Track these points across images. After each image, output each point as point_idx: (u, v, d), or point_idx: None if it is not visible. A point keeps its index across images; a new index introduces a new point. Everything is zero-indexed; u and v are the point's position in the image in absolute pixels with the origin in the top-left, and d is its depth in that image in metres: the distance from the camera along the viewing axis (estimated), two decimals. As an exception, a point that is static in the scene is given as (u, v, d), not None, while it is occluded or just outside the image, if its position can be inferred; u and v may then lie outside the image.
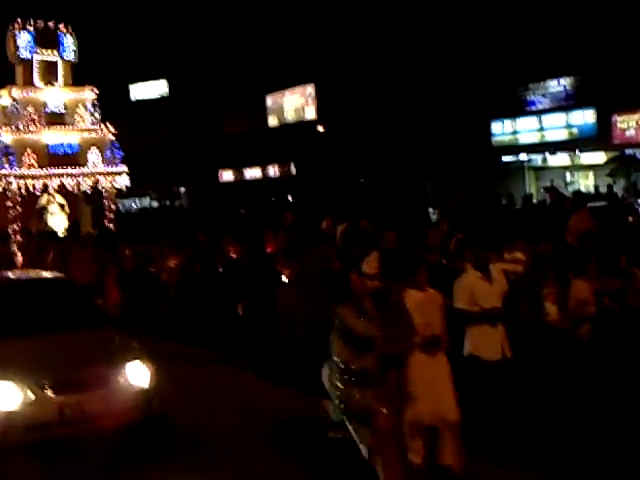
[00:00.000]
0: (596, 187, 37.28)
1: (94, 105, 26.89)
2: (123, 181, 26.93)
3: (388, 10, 43.65)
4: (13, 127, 26.05)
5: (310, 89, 50.80)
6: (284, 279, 14.73)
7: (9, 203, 25.93)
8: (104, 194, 26.86)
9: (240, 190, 51.50)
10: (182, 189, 57.40)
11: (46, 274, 13.14)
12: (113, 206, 27.24)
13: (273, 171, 52.87)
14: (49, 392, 9.48)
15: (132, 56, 51.90)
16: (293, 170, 50.73)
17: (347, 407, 8.09)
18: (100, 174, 26.61)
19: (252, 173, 54.58)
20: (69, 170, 26.30)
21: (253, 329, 15.23)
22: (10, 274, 13.53)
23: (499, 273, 10.34)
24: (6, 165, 25.62)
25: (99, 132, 26.78)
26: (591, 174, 40.70)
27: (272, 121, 54.13)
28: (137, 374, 10.14)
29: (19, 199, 26.02)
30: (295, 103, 52.28)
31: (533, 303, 10.78)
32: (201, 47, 51.09)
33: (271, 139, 52.17)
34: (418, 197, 42.28)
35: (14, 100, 26.12)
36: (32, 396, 9.40)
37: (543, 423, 9.61)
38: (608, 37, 34.60)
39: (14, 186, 25.72)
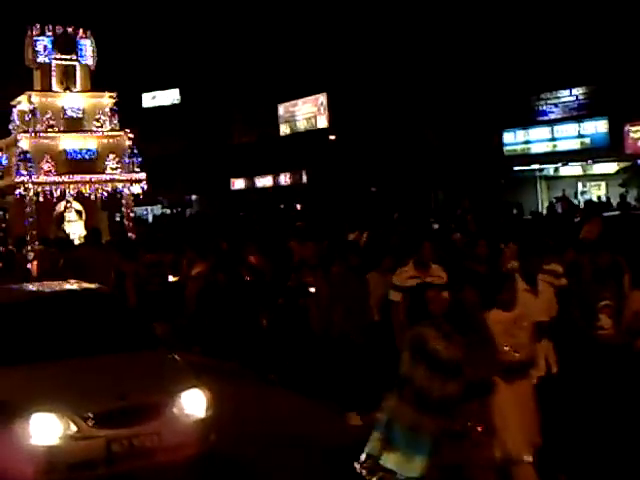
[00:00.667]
0: (607, 197, 36.79)
1: (112, 111, 25.97)
2: (141, 188, 25.88)
3: (400, 20, 43.32)
4: (31, 133, 25.06)
5: (322, 98, 50.29)
6: (311, 290, 13.88)
7: (26, 210, 24.89)
8: (123, 201, 25.86)
9: (251, 198, 50.69)
10: (194, 197, 56.54)
11: (86, 285, 11.35)
12: (131, 213, 26.22)
13: (284, 179, 52.14)
14: (94, 424, 8.17)
15: (144, 65, 51.15)
16: (305, 179, 49.81)
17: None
18: (118, 181, 25.58)
19: (263, 181, 53.92)
20: (87, 177, 25.17)
21: (278, 341, 14.33)
22: (46, 285, 11.73)
23: (546, 286, 9.59)
24: (24, 171, 24.64)
25: (117, 138, 25.72)
26: (603, 184, 40.14)
27: (284, 130, 53.61)
28: (193, 403, 8.84)
29: (35, 206, 24.97)
30: (307, 112, 51.79)
31: (587, 316, 9.87)
32: (213, 56, 50.50)
33: (283, 148, 51.64)
34: (428, 206, 41.81)
35: (32, 106, 25.20)
36: (75, 429, 8.10)
37: (593, 442, 8.69)
38: (620, 47, 34.24)
39: (32, 193, 24.75)
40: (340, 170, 46.60)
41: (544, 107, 41.35)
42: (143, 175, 25.98)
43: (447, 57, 41.27)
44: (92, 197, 25.95)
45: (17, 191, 24.95)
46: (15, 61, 27.24)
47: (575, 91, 39.57)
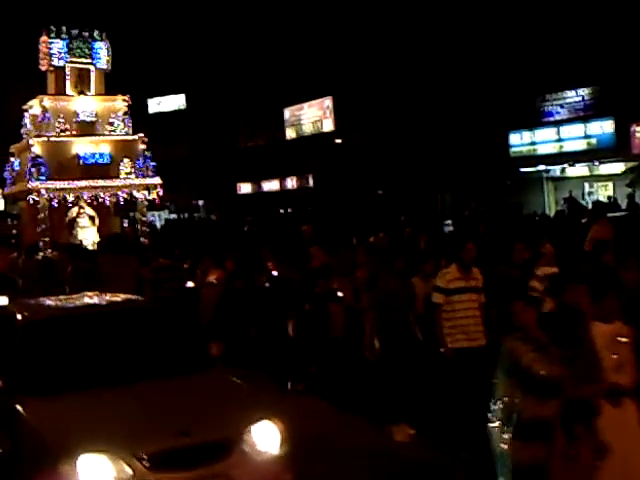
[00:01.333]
0: (614, 198, 36.03)
1: (126, 114, 24.98)
2: (157, 193, 24.92)
3: (405, 23, 42.27)
4: (44, 137, 24.10)
5: (328, 102, 49.08)
6: (339, 295, 13.21)
7: (39, 216, 23.90)
8: (137, 206, 24.91)
9: (258, 202, 49.77)
10: (200, 202, 55.56)
11: (129, 298, 9.94)
12: (145, 218, 25.25)
13: (291, 183, 51.10)
14: (152, 467, 6.58)
15: (150, 70, 50.16)
16: (311, 182, 48.91)
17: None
18: (133, 186, 24.62)
19: (270, 186, 52.90)
20: (102, 182, 24.21)
21: (306, 349, 13.29)
22: (83, 298, 10.02)
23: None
24: (36, 177, 23.69)
25: (131, 142, 24.79)
26: (610, 184, 39.04)
27: (290, 134, 52.43)
28: (266, 437, 7.19)
29: (48, 212, 24.00)
30: (313, 116, 50.62)
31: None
32: (218, 61, 49.54)
33: (289, 152, 50.57)
34: (435, 208, 40.99)
35: (45, 109, 24.25)
36: (130, 473, 6.54)
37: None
38: (626, 47, 33.27)
39: (44, 198, 23.80)
40: (346, 173, 45.58)
41: (550, 108, 40.20)
42: (158, 180, 25.01)
43: (452, 59, 40.35)
44: (106, 203, 24.88)
45: (29, 197, 23.98)
46: (27, 64, 26.20)
47: (581, 91, 38.43)
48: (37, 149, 24.09)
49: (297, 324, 13.82)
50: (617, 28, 33.48)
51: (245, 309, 14.56)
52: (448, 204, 43.35)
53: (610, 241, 12.23)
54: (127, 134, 25.14)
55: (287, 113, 52.41)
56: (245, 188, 54.11)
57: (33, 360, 7.76)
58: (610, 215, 19.11)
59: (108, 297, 9.92)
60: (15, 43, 32.22)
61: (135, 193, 24.88)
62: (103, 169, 24.65)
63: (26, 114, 25.40)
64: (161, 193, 25.15)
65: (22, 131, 25.53)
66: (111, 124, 24.89)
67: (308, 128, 50.88)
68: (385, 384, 10.65)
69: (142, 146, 25.05)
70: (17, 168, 25.72)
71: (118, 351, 8.18)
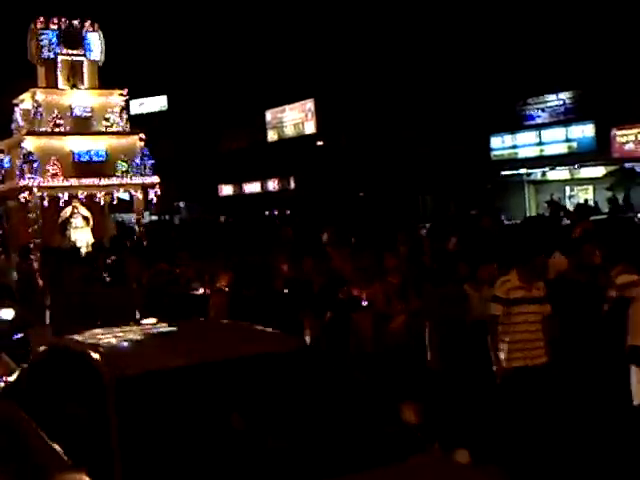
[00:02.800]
0: (595, 202, 34.79)
1: (123, 110, 22.61)
2: (154, 192, 22.58)
3: (387, 25, 40.89)
4: (36, 133, 21.70)
5: (310, 104, 47.34)
6: (364, 303, 11.20)
7: (30, 216, 21.44)
8: (135, 206, 22.56)
9: (239, 204, 47.63)
10: (182, 204, 53.16)
11: (267, 334, 6.56)
12: (142, 220, 22.90)
13: (273, 186, 49.13)
14: None
15: (132, 72, 47.62)
16: (292, 184, 46.87)
17: None
18: (129, 185, 22.25)
19: (251, 188, 50.86)
20: (97, 180, 21.81)
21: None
22: (181, 334, 6.56)
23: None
24: (28, 174, 21.22)
25: (128, 139, 22.45)
26: (591, 188, 37.86)
27: (272, 136, 50.51)
28: None
29: (40, 211, 21.53)
30: (295, 118, 48.80)
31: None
32: (201, 63, 47.37)
33: (271, 154, 48.57)
34: (416, 211, 39.43)
35: (37, 104, 21.83)
36: None
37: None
38: (607, 51, 32.30)
39: (36, 197, 21.32)
40: (328, 176, 43.92)
41: (531, 111, 39.01)
42: (156, 179, 22.68)
43: (434, 62, 38.96)
44: (100, 202, 22.51)
45: (20, 196, 21.49)
46: (17, 56, 23.70)
47: (562, 95, 37.36)
48: (29, 145, 21.72)
49: (317, 335, 11.81)
50: (598, 33, 32.48)
51: (258, 317, 12.40)
52: (429, 207, 41.89)
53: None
54: (124, 130, 22.75)
55: (269, 115, 50.65)
56: (226, 190, 52.06)
57: (136, 442, 4.70)
58: (592, 218, 17.83)
59: (228, 331, 6.67)
60: (2, 34, 29.47)
61: (132, 192, 22.46)
62: (98, 167, 22.32)
63: (17, 109, 23.02)
64: (159, 193, 22.77)
65: (12, 126, 23.14)
66: (107, 120, 22.47)
67: (290, 130, 49.17)
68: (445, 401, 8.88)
69: (140, 143, 22.74)
70: (7, 165, 23.28)
71: (267, 426, 5.00)
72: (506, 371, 8.03)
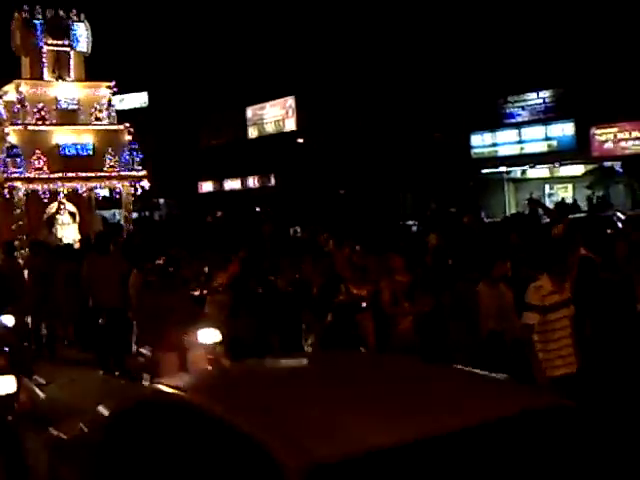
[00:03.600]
0: (574, 199, 34.31)
1: (110, 103, 21.44)
2: (141, 187, 21.43)
3: (368, 23, 39.95)
4: (20, 126, 20.46)
5: (290, 101, 46.35)
6: (363, 304, 10.82)
7: (15, 211, 20.22)
8: (123, 202, 21.41)
9: (219, 201, 46.41)
10: (161, 200, 51.82)
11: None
12: (130, 215, 21.72)
13: (253, 182, 47.97)
14: None
15: (112, 68, 46.18)
16: (273, 181, 45.81)
17: None
18: (117, 178, 21.08)
19: (232, 184, 49.66)
20: (84, 175, 20.62)
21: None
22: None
23: None
24: (12, 168, 20.00)
25: (116, 132, 21.30)
26: (570, 186, 37.39)
27: (252, 133, 49.50)
28: None
29: (25, 207, 20.31)
30: (275, 115, 47.80)
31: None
32: (181, 59, 46.11)
33: (251, 151, 47.53)
34: (397, 208, 38.70)
35: (21, 96, 20.65)
36: None
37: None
38: (588, 51, 31.79)
39: (21, 192, 20.12)
40: (308, 173, 42.96)
41: (511, 110, 38.43)
42: (144, 173, 21.54)
43: (414, 60, 38.16)
44: (87, 197, 21.33)
45: (4, 190, 20.29)
46: (1, 46, 22.39)
47: (542, 94, 36.81)
48: (13, 138, 20.58)
49: (319, 338, 10.81)
50: (578, 31, 32.01)
51: (264, 316, 11.46)
52: (409, 204, 41.20)
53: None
54: (111, 124, 21.54)
55: (249, 112, 49.65)
56: (207, 187, 50.82)
57: None
58: (571, 217, 17.47)
59: (449, 378, 4.33)
60: None
61: (119, 187, 21.31)
62: (85, 161, 21.19)
63: (0, 101, 21.63)
64: (147, 187, 21.64)
65: (-5, 119, 21.79)
66: (94, 113, 21.24)
67: (270, 127, 48.24)
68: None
69: (127, 137, 21.62)
70: (-11, 159, 21.95)
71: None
72: (549, 380, 7.25)
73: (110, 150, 21.30)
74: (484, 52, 35.37)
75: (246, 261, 13.44)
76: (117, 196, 21.65)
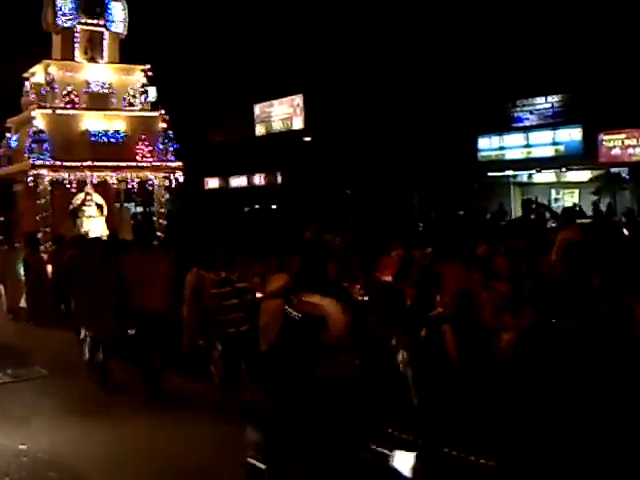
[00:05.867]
0: (579, 206, 32.59)
1: (144, 88, 18.91)
2: (175, 179, 18.94)
3: (377, 23, 38.56)
4: (48, 109, 17.87)
5: (298, 99, 44.28)
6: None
7: (39, 201, 17.63)
8: (155, 194, 18.91)
9: (225, 198, 44.13)
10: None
11: None
12: (163, 210, 19.19)
13: (259, 180, 45.82)
14: None
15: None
16: (279, 179, 43.77)
17: None
18: (150, 169, 18.57)
19: (238, 181, 47.34)
20: (115, 164, 18.10)
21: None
22: None
23: None
24: (38, 155, 17.43)
25: (150, 119, 18.80)
26: (576, 192, 36.07)
27: (259, 130, 47.24)
28: None
29: (50, 197, 17.74)
30: (283, 113, 45.67)
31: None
32: (190, 55, 43.68)
33: (258, 148, 45.21)
34: (404, 209, 36.80)
35: (50, 77, 18.04)
36: None
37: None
38: (596, 56, 30.92)
39: (46, 181, 17.55)
40: (315, 172, 41.01)
41: (519, 114, 37.01)
42: (180, 164, 19.05)
43: (424, 62, 36.76)
44: (117, 188, 18.80)
45: (29, 178, 17.63)
46: (29, 25, 19.73)
47: (550, 99, 35.51)
48: (40, 123, 17.97)
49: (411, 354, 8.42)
50: (588, 37, 31.11)
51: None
52: (415, 205, 39.63)
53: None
54: (145, 110, 19.03)
55: (257, 109, 47.49)
56: (212, 183, 48.39)
57: None
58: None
59: None
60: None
61: (152, 178, 18.80)
62: (116, 149, 18.66)
63: (27, 82, 19.18)
64: (181, 179, 19.16)
65: (22, 102, 19.23)
66: (128, 97, 18.69)
67: (278, 125, 46.10)
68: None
69: (162, 124, 19.10)
70: (14, 145, 19.45)
71: None
72: None
73: (143, 138, 18.71)
74: (493, 56, 34.33)
75: (305, 264, 11.05)
76: (150, 188, 19.05)
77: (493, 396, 7.59)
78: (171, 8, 42.29)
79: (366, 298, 9.96)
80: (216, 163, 46.60)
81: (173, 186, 19.13)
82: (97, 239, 14.36)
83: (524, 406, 7.16)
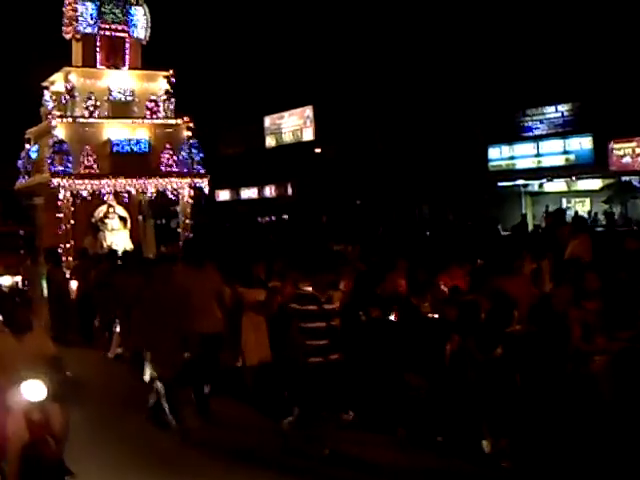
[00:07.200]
0: (595, 213, 33.17)
1: (168, 95, 17.62)
2: (200, 189, 17.64)
3: (386, 34, 38.08)
4: (69, 118, 16.56)
5: (308, 111, 43.40)
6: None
7: (60, 214, 16.29)
8: (181, 206, 17.61)
9: (236, 210, 42.94)
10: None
11: None
12: (189, 221, 17.84)
13: (270, 192, 44.63)
14: None
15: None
16: (290, 191, 42.45)
17: None
18: (175, 178, 17.25)
19: (249, 193, 46.37)
20: (138, 174, 16.80)
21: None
22: None
23: None
24: (59, 166, 16.11)
25: (174, 127, 17.49)
26: (587, 200, 35.42)
27: (270, 142, 46.25)
28: None
29: (72, 209, 16.41)
30: (293, 124, 44.73)
31: None
32: (202, 69, 42.51)
33: (268, 160, 44.47)
34: (413, 220, 35.71)
35: (71, 85, 16.75)
36: None
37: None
38: (606, 65, 30.40)
39: (68, 193, 16.22)
40: (325, 183, 40.11)
41: (529, 123, 36.31)
42: (206, 175, 17.77)
43: (434, 72, 36.01)
44: (141, 200, 17.50)
45: (50, 190, 16.31)
46: (48, 32, 18.47)
47: (560, 108, 34.82)
48: (60, 132, 16.71)
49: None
50: (597, 46, 30.63)
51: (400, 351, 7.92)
52: (425, 216, 38.92)
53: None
54: (169, 118, 17.72)
55: (267, 121, 46.58)
56: (223, 195, 47.19)
57: None
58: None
59: None
60: (33, 5, 23.59)
61: (178, 189, 17.50)
62: (140, 159, 17.36)
63: (47, 91, 17.90)
64: (207, 191, 17.86)
65: (41, 112, 17.94)
66: (150, 105, 17.39)
67: (288, 137, 45.18)
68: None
69: (187, 133, 17.76)
70: (34, 156, 18.13)
71: None
72: None
73: (167, 147, 17.41)
74: (503, 65, 33.75)
75: (361, 278, 9.78)
76: (175, 198, 17.73)
77: (583, 426, 6.38)
78: (182, 21, 41.31)
79: (436, 316, 8.65)
80: (227, 175, 45.45)
81: (201, 196, 17.72)
82: (144, 256, 12.96)
83: (620, 440, 6.11)
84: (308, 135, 43.29)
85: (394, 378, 8.03)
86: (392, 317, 8.90)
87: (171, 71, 17.99)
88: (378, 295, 9.61)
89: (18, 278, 15.47)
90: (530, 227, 29.43)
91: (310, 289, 7.51)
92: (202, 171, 18.02)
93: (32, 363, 5.72)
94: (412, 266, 10.88)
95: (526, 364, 6.93)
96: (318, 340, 7.01)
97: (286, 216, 37.65)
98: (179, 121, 17.95)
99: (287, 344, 7.92)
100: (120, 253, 15.02)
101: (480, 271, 10.08)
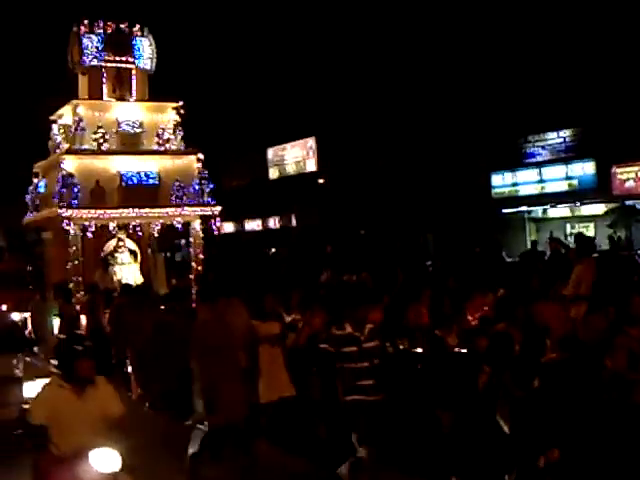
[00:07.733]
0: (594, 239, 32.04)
1: (177, 126, 17.20)
2: (211, 223, 17.18)
3: (388, 64, 37.75)
4: (78, 152, 16.11)
5: (311, 142, 43.00)
6: None
7: (70, 249, 15.78)
8: (193, 240, 17.10)
9: (240, 242, 42.44)
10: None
11: None
12: (201, 256, 17.33)
13: (274, 223, 44.26)
14: None
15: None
16: (294, 222, 42.12)
17: None
18: (186, 212, 16.78)
19: (252, 225, 45.97)
20: (149, 208, 16.31)
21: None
22: None
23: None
24: (68, 200, 15.65)
25: (184, 159, 17.02)
26: (591, 225, 34.82)
27: (273, 173, 45.88)
28: None
29: (81, 243, 15.93)
30: (296, 156, 44.27)
31: None
32: (203, 100, 42.23)
33: (272, 191, 44.08)
34: (418, 249, 35.23)
35: (79, 118, 16.31)
36: None
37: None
38: (607, 90, 30.18)
39: (78, 228, 15.73)
40: (329, 213, 39.74)
41: (532, 149, 35.95)
42: (218, 208, 17.30)
43: (435, 100, 35.70)
44: (152, 234, 17.01)
45: (58, 224, 15.82)
46: (55, 65, 18.05)
47: (562, 133, 34.51)
48: (69, 166, 16.26)
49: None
50: (598, 71, 30.52)
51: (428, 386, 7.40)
52: (430, 245, 38.14)
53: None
54: (179, 150, 17.26)
55: (270, 153, 46.13)
56: (227, 227, 46.76)
57: None
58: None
59: None
60: (39, 40, 23.16)
61: (191, 222, 17.04)
62: (150, 192, 16.87)
63: (54, 125, 17.40)
64: (219, 224, 17.40)
65: (49, 146, 17.48)
66: (159, 137, 16.96)
67: (291, 168, 44.74)
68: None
69: (197, 164, 17.30)
70: (42, 190, 17.63)
71: None
72: None
73: (178, 179, 16.95)
74: (504, 92, 33.46)
75: (389, 310, 9.29)
76: (182, 230, 17.28)
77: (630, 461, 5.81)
78: (185, 53, 41.18)
79: (464, 350, 8.06)
80: (230, 207, 45.03)
81: (212, 228, 17.23)
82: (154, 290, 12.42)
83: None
84: (311, 166, 42.98)
85: (426, 415, 7.48)
86: (419, 349, 8.46)
87: (180, 102, 17.56)
88: (404, 326, 9.18)
89: (27, 314, 15.03)
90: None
91: (348, 329, 6.98)
92: (213, 202, 17.46)
93: (96, 425, 5.06)
94: (434, 296, 10.44)
95: (564, 394, 6.43)
96: (361, 381, 6.46)
97: (289, 247, 37.05)
98: (189, 153, 17.48)
99: (312, 383, 7.39)
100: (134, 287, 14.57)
101: (506, 300, 9.63)
